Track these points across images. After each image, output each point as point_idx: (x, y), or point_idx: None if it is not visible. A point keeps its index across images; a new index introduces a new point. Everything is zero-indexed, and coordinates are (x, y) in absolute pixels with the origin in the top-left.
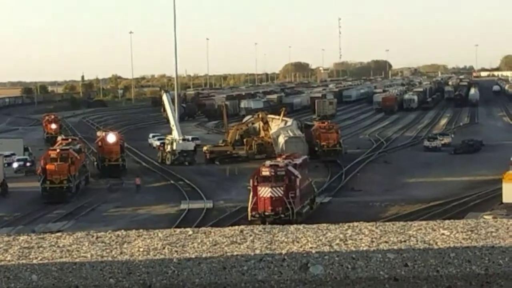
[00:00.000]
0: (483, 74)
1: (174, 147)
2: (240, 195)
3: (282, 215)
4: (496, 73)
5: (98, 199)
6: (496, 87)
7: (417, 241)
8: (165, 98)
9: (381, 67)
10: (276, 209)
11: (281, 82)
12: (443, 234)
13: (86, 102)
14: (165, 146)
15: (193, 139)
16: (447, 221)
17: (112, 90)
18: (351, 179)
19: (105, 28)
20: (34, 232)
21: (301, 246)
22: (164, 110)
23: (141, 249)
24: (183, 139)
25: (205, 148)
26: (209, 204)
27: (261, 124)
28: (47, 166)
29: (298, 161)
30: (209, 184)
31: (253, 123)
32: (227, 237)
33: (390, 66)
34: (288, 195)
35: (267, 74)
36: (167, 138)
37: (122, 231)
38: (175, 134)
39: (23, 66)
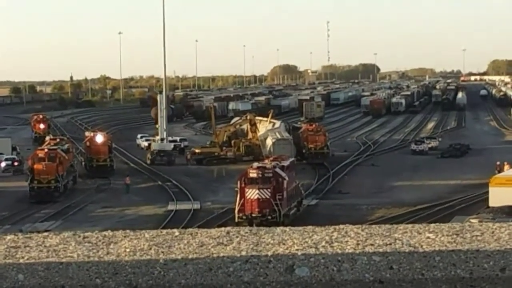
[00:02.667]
0: (472, 78)
1: (153, 147)
2: (227, 196)
3: (269, 217)
4: (485, 77)
5: (85, 199)
6: (483, 92)
7: (402, 244)
8: (158, 98)
9: (369, 71)
10: (263, 210)
11: (269, 84)
12: (428, 237)
13: (74, 102)
14: (150, 147)
15: (181, 140)
16: (432, 225)
17: (101, 90)
18: (338, 181)
19: (94, 28)
20: (21, 232)
21: (287, 248)
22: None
23: (128, 250)
24: (161, 139)
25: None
26: (197, 205)
27: (249, 126)
28: (35, 166)
29: (286, 163)
30: (196, 185)
31: (241, 125)
32: (214, 238)
33: (378, 69)
34: (275, 197)
35: (255, 76)
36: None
37: (109, 231)
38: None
39: (11, 65)
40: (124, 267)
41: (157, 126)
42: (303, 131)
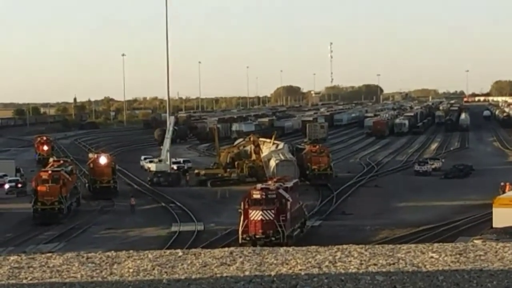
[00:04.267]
0: (477, 99)
1: (152, 168)
2: (231, 218)
3: (273, 238)
4: (491, 98)
5: (89, 220)
6: (486, 112)
7: (406, 263)
8: (171, 120)
9: (372, 92)
10: (267, 232)
11: (273, 106)
12: (432, 257)
13: (78, 124)
14: None
15: (184, 161)
16: (436, 244)
17: (104, 112)
18: (342, 202)
19: (97, 50)
20: (25, 253)
21: (290, 268)
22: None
23: (131, 270)
24: (159, 160)
25: (197, 171)
26: (200, 227)
27: (253, 147)
28: (39, 188)
29: (289, 184)
30: (200, 206)
31: (244, 146)
32: (217, 259)
33: (381, 90)
34: (279, 218)
35: (258, 98)
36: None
37: (112, 252)
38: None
39: (15, 87)
40: (128, 287)
41: (161, 147)
42: (306, 152)
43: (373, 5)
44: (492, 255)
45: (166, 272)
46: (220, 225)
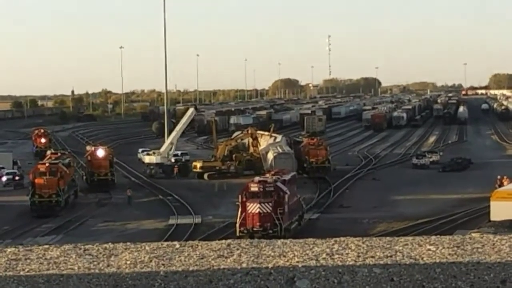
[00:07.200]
0: (475, 92)
1: (145, 160)
2: (228, 210)
3: (271, 231)
4: (489, 91)
5: (87, 213)
6: (484, 105)
7: (403, 256)
8: (189, 112)
9: (370, 85)
10: (264, 225)
11: (271, 98)
12: (429, 249)
13: (76, 116)
14: None
15: (182, 154)
16: (433, 237)
17: (102, 104)
18: (339, 195)
19: (95, 42)
20: (22, 245)
21: (287, 260)
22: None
23: (128, 262)
24: (153, 153)
25: (194, 163)
26: (198, 220)
27: (250, 140)
28: (36, 180)
29: (287, 177)
30: (198, 199)
31: (242, 139)
32: (214, 251)
33: (379, 83)
34: (277, 211)
35: (256, 90)
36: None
37: (110, 243)
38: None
39: (13, 79)
40: (125, 279)
41: (166, 139)
42: (304, 145)
43: None
44: (490, 248)
45: (163, 264)
46: (217, 218)
